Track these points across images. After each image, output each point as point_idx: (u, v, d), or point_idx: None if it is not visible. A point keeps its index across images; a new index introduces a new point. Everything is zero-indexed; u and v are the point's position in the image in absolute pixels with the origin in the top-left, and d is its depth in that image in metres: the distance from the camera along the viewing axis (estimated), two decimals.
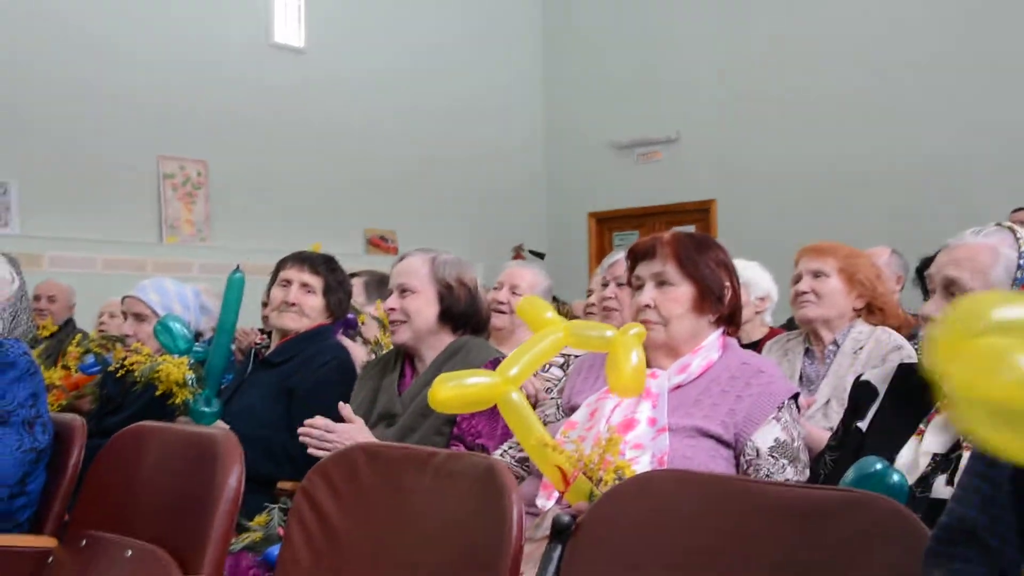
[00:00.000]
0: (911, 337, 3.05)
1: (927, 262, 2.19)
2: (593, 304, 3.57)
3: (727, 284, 2.42)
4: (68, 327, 5.99)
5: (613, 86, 10.04)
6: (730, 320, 2.46)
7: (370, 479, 1.94)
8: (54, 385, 3.76)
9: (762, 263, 4.03)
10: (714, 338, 2.39)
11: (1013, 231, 1.95)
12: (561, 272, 9.70)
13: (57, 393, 3.75)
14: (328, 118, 8.70)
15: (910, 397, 2.03)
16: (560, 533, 1.63)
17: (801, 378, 3.15)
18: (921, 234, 5.20)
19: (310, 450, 2.61)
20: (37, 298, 5.97)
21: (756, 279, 3.86)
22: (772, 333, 3.74)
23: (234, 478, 2.06)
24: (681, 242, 2.42)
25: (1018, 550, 1.04)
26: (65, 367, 3.79)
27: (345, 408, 2.71)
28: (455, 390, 2.05)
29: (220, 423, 3.04)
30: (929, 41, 8.08)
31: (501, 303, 3.67)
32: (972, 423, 0.72)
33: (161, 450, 2.31)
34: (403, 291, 2.89)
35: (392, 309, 2.89)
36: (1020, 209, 6.51)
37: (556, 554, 1.61)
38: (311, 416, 2.72)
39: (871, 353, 3.02)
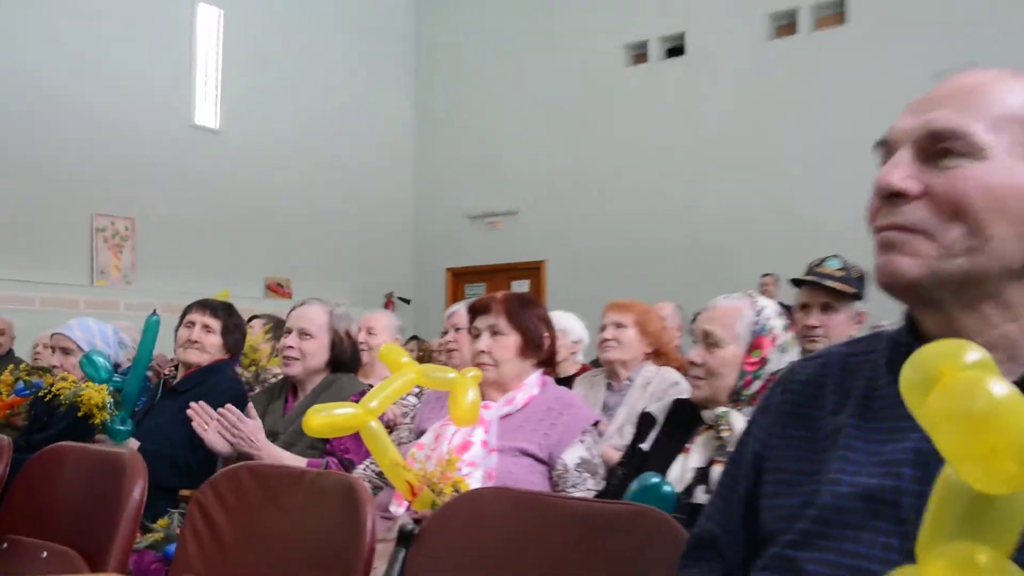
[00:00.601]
0: (687, 375, 3.13)
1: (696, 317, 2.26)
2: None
3: (546, 334, 2.45)
4: (9, 356, 5.68)
5: (469, 167, 10.10)
6: (548, 363, 2.48)
7: (253, 492, 1.86)
8: None
9: (578, 312, 4.08)
10: (535, 377, 2.41)
11: (752, 297, 2.05)
12: (424, 315, 9.68)
13: None
14: (236, 184, 8.47)
15: (681, 423, 2.08)
16: (405, 539, 1.60)
17: (604, 406, 3.20)
18: (700, 294, 5.35)
19: (208, 439, 2.58)
20: None
21: (571, 327, 3.91)
22: (583, 369, 3.78)
23: (138, 491, 1.95)
24: (510, 301, 2.44)
25: (744, 559, 1.04)
26: None
27: (251, 408, 2.62)
28: (325, 419, 2.00)
29: (132, 440, 2.89)
30: (721, 147, 8.44)
31: (360, 343, 3.66)
32: (950, 452, 0.62)
33: (77, 466, 2.17)
34: (303, 334, 2.81)
35: (291, 347, 2.80)
36: (766, 275, 6.84)
37: (401, 556, 1.58)
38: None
39: (656, 388, 3.10)
